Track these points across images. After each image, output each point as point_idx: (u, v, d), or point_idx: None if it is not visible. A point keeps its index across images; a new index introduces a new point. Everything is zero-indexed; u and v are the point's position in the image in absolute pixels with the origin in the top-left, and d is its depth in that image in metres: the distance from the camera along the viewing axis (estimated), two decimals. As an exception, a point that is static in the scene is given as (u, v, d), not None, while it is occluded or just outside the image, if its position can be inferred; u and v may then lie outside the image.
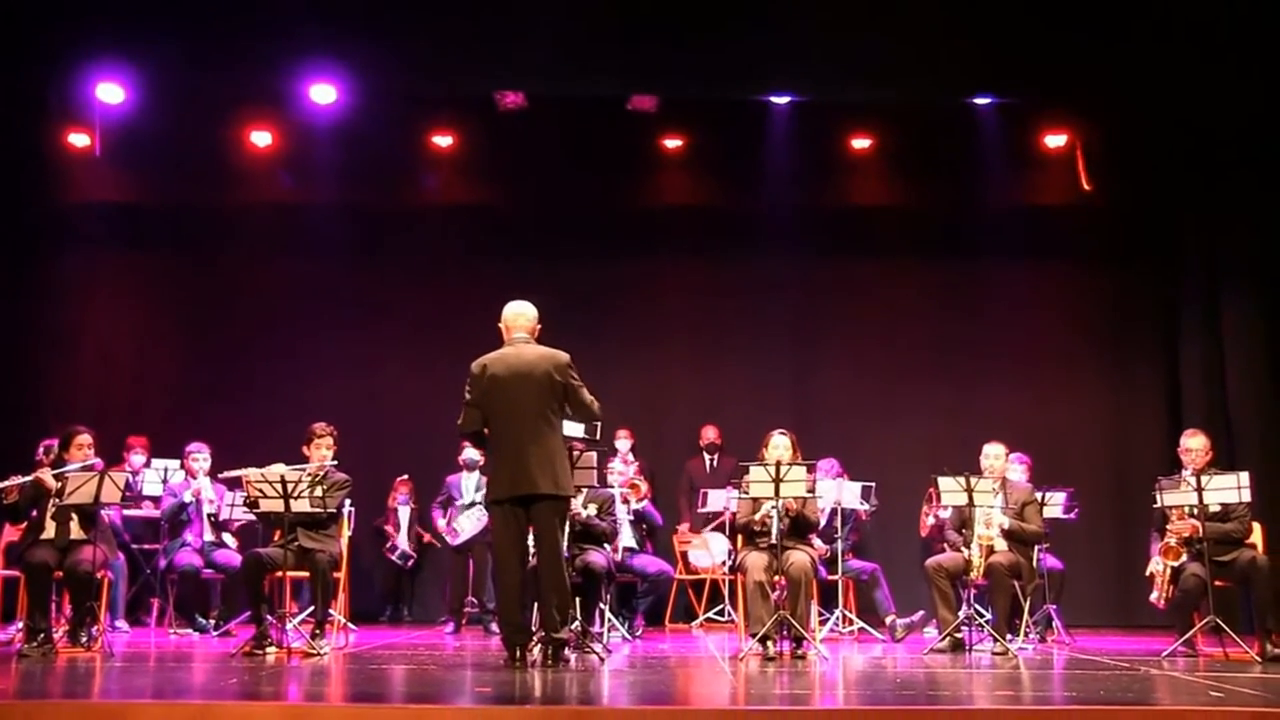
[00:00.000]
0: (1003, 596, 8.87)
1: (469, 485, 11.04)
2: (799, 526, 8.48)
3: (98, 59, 11.19)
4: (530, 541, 7.56)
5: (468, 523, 10.92)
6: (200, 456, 10.37)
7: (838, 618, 10.41)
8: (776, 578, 8.21)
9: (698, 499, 11.59)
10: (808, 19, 10.82)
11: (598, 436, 8.16)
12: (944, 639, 8.83)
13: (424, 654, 8.55)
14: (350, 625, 10.08)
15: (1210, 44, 10.86)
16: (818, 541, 9.37)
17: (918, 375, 12.68)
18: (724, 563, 11.08)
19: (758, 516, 8.40)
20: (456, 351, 7.97)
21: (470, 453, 10.81)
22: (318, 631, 8.36)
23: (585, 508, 9.27)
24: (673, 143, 12.81)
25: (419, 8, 10.91)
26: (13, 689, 6.43)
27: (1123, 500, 12.12)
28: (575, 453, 8.35)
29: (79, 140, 12.28)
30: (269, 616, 8.32)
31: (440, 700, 5.99)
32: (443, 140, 12.79)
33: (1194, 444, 9.04)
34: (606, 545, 9.51)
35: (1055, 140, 12.49)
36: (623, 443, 11.72)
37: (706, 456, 12.29)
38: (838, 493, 10.48)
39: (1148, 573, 9.27)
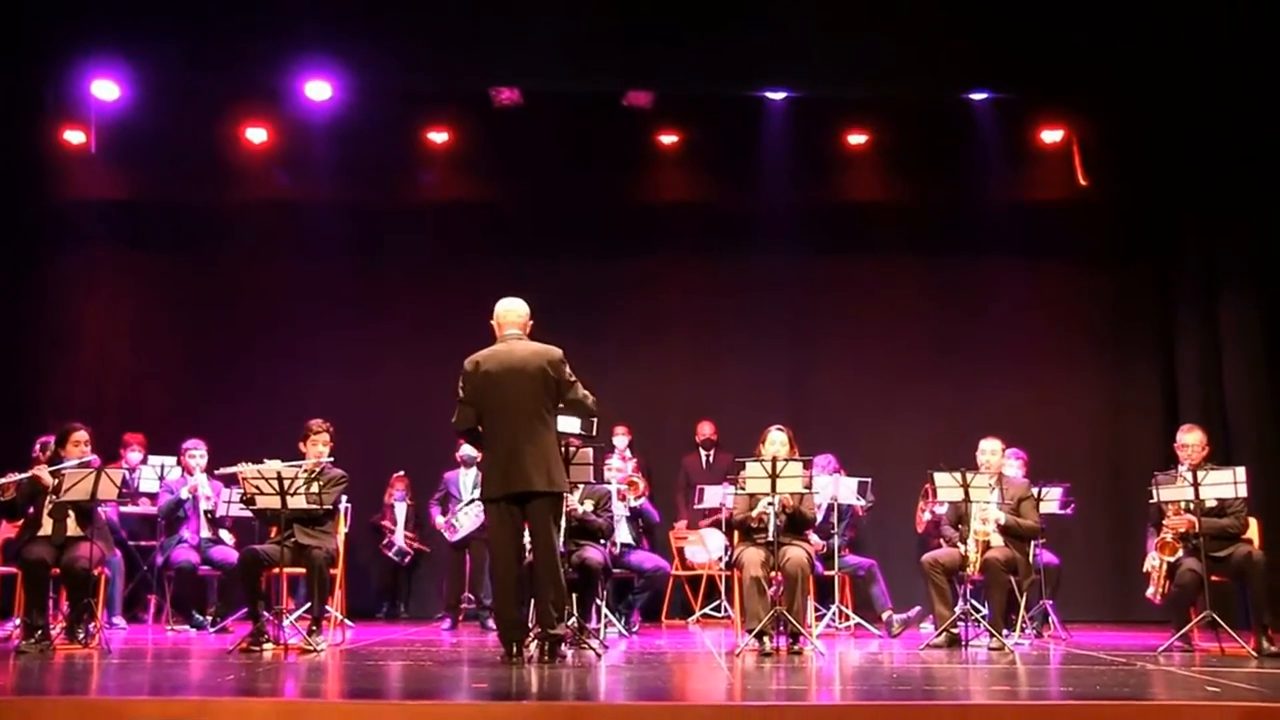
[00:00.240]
0: (999, 592, 8.88)
1: (467, 482, 11.04)
2: (795, 522, 8.49)
3: (93, 56, 11.20)
4: (526, 538, 7.57)
5: (466, 519, 10.92)
6: (197, 453, 10.37)
7: (834, 613, 10.41)
8: (773, 573, 8.22)
9: (694, 495, 11.59)
10: (804, 15, 10.85)
11: (594, 432, 8.16)
12: (940, 634, 8.84)
13: (421, 650, 8.56)
14: (347, 621, 10.08)
15: (1209, 42, 10.90)
16: (814, 537, 9.37)
17: (914, 371, 12.70)
18: (720, 559, 11.08)
19: (754, 512, 8.41)
20: (452, 347, 7.97)
21: (468, 449, 10.81)
22: (314, 628, 8.36)
23: (582, 504, 9.28)
24: (669, 139, 12.82)
25: (414, 4, 10.94)
26: (10, 686, 6.44)
27: (1119, 496, 12.12)
28: (571, 449, 8.35)
29: (74, 137, 12.26)
30: (266, 613, 8.33)
31: (437, 696, 5.99)
32: (438, 137, 12.78)
33: (1190, 439, 9.04)
34: (603, 541, 9.53)
35: (1052, 136, 12.49)
36: (620, 439, 11.72)
37: (703, 452, 12.30)
38: (834, 488, 10.48)
39: (1144, 568, 9.27)
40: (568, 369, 7.54)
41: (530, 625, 7.65)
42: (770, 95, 12.10)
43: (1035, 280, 12.90)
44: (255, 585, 8.38)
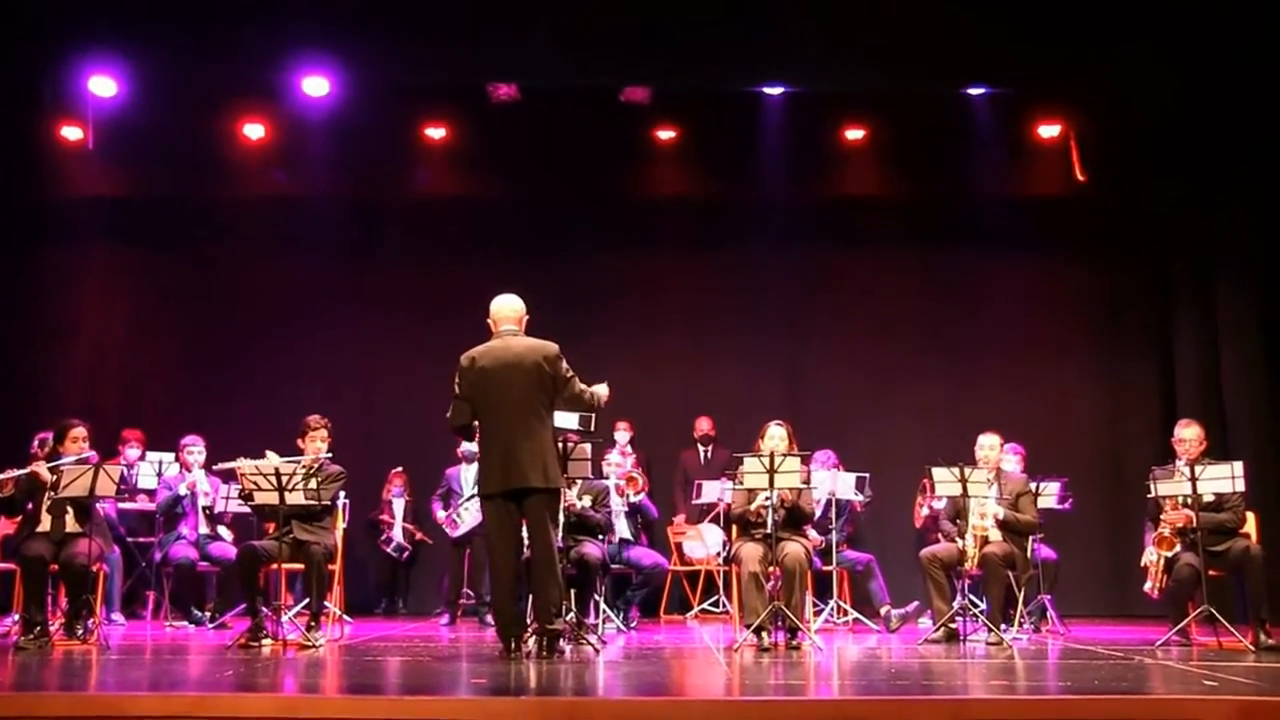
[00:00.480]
0: (997, 587, 8.89)
1: (468, 478, 11.03)
2: (794, 518, 8.50)
3: (90, 53, 11.18)
4: (524, 534, 7.57)
5: (468, 515, 10.93)
6: (195, 449, 10.37)
7: (832, 609, 10.43)
8: (771, 569, 8.22)
9: (692, 490, 11.60)
10: (801, 10, 10.85)
11: (592, 428, 8.17)
12: (939, 629, 8.84)
13: (419, 646, 8.56)
14: (345, 617, 10.08)
15: (1207, 38, 10.87)
16: (812, 533, 9.38)
17: (912, 366, 12.70)
18: (719, 554, 11.09)
19: (753, 507, 8.41)
20: (449, 343, 7.96)
21: (470, 445, 10.81)
22: (313, 624, 8.35)
23: (580, 499, 9.28)
24: (666, 134, 12.81)
25: (412, 0, 10.91)
26: (9, 681, 6.44)
27: (1117, 490, 12.13)
28: (570, 444, 8.36)
29: (72, 134, 12.26)
30: (264, 609, 8.32)
31: (436, 692, 5.99)
32: (436, 133, 12.78)
33: (1188, 434, 9.04)
34: (601, 537, 9.53)
35: (1049, 131, 12.49)
36: (622, 434, 11.75)
37: (700, 448, 12.31)
38: (832, 484, 10.49)
39: (1142, 563, 9.27)
40: (564, 364, 7.53)
41: (528, 621, 7.66)
42: (768, 91, 12.10)
43: (1033, 275, 12.91)
44: (254, 581, 8.37)
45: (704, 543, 11.48)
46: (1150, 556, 9.11)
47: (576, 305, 12.19)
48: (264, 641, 8.12)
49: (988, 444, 9.40)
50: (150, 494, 10.69)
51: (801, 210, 12.90)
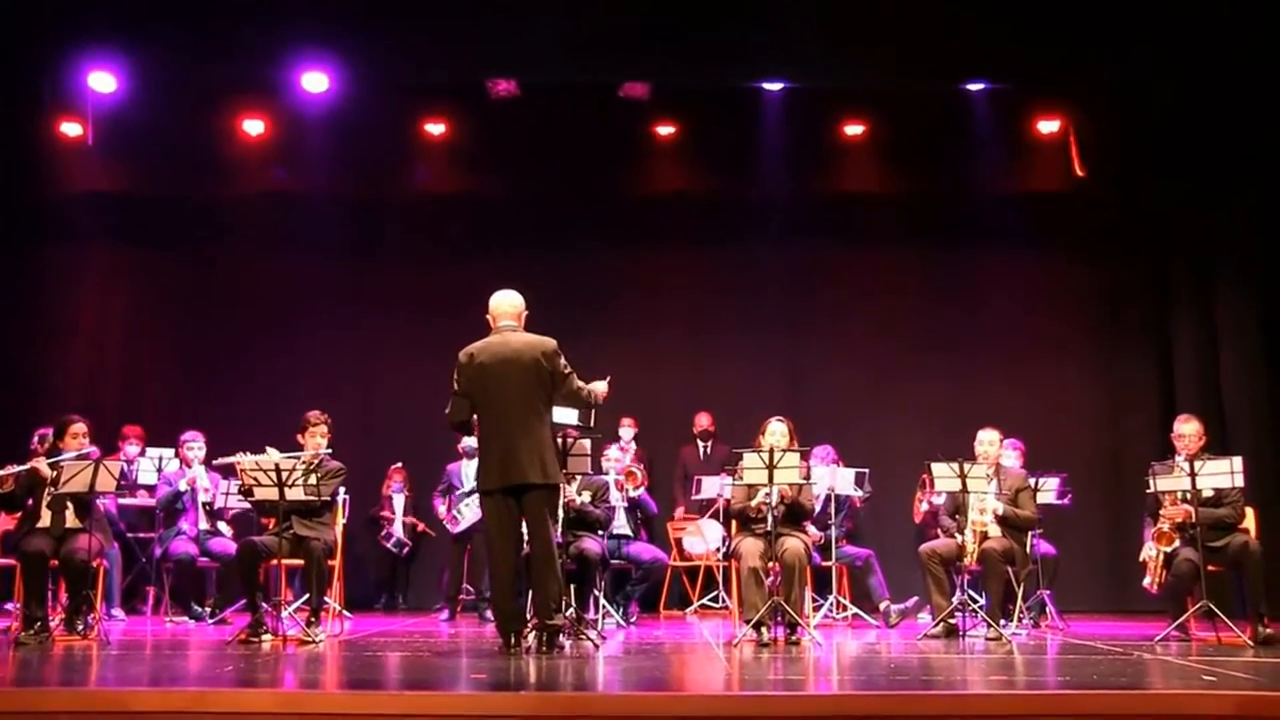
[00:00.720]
0: (996, 582, 8.89)
1: (469, 473, 11.02)
2: (793, 513, 8.49)
3: (90, 49, 11.19)
4: (524, 529, 7.57)
5: (469, 511, 10.94)
6: (195, 445, 10.37)
7: (832, 604, 10.44)
8: (771, 564, 8.23)
9: (692, 486, 11.61)
10: (800, 6, 10.86)
11: (592, 423, 8.17)
12: (938, 625, 8.85)
13: (419, 641, 8.57)
14: (345, 613, 10.09)
15: (1207, 34, 10.88)
16: (812, 528, 9.39)
17: (911, 362, 12.71)
18: (718, 549, 11.10)
19: (754, 503, 8.41)
20: (449, 339, 7.96)
21: (470, 440, 10.82)
22: (313, 619, 8.35)
23: (580, 495, 9.29)
24: (665, 130, 12.82)
25: (411, -5, 10.94)
26: (9, 677, 6.45)
27: (1116, 486, 12.15)
28: (569, 440, 8.37)
29: (71, 130, 12.26)
30: (264, 604, 8.33)
31: (436, 687, 6.00)
32: (435, 129, 12.78)
33: (1187, 429, 9.04)
34: (600, 532, 9.53)
35: (1049, 127, 12.49)
36: (626, 431, 11.78)
37: (700, 443, 12.31)
38: (832, 479, 10.49)
39: (1141, 558, 9.28)
40: (562, 360, 7.54)
41: (528, 616, 7.67)
42: (767, 86, 12.11)
43: (1032, 271, 12.91)
44: (254, 577, 8.38)
45: (704, 538, 11.48)
46: (1149, 552, 9.12)
47: (576, 301, 12.19)
48: (264, 637, 8.12)
49: (987, 439, 9.40)
50: (150, 490, 10.69)
51: (801, 206, 12.90)
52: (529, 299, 7.79)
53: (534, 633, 7.46)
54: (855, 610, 10.56)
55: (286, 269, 12.85)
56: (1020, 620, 9.38)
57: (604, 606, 9.68)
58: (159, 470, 10.64)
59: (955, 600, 8.83)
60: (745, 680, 6.44)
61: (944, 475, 8.71)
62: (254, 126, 12.58)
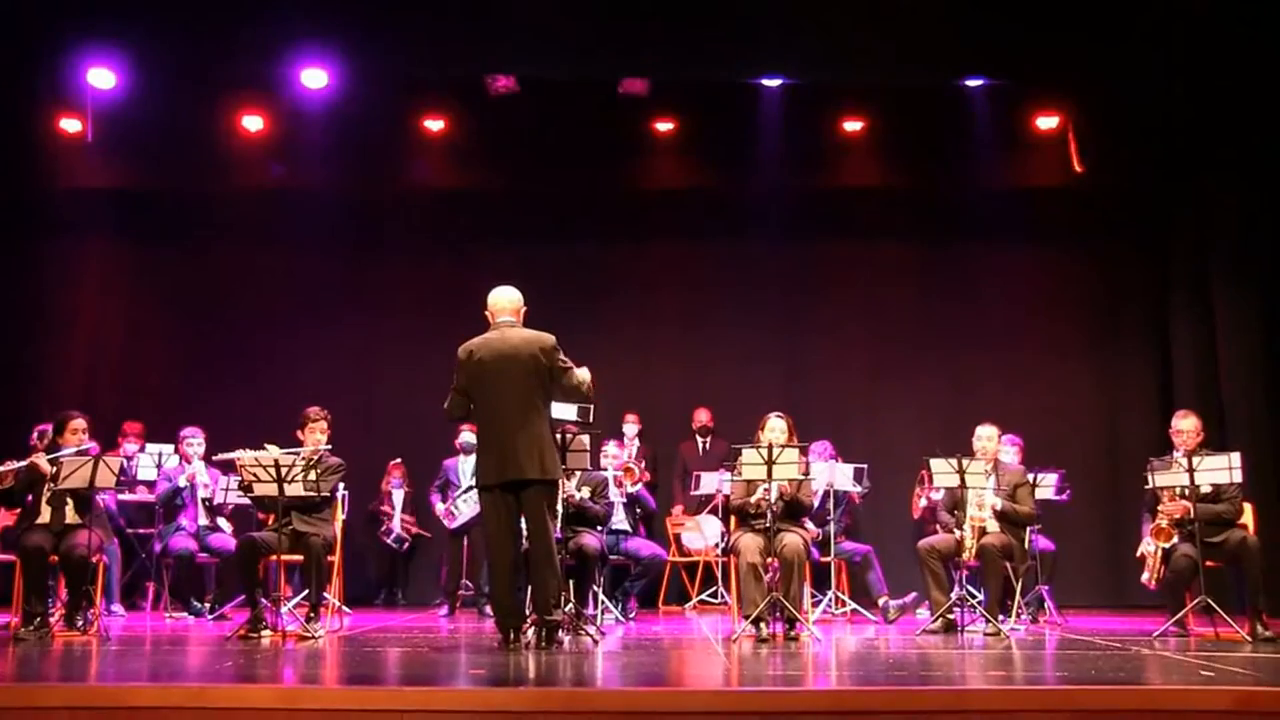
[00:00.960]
0: (995, 578, 8.90)
1: (466, 469, 11.04)
2: (792, 509, 8.49)
3: (89, 44, 11.18)
4: (522, 525, 7.58)
5: (465, 506, 10.95)
6: (195, 441, 10.37)
7: (830, 600, 10.44)
8: (770, 560, 8.23)
9: (690, 482, 11.61)
10: (799, 2, 10.83)
11: (591, 419, 8.17)
12: (936, 620, 8.86)
13: (418, 637, 8.58)
14: (345, 608, 10.09)
15: (1206, 29, 10.88)
16: (810, 524, 9.39)
17: (910, 357, 12.72)
18: (717, 545, 11.11)
19: (754, 499, 8.41)
20: (448, 335, 7.98)
21: (467, 436, 10.84)
22: (312, 615, 8.37)
23: (579, 490, 9.30)
24: (664, 126, 12.80)
25: (410, -8, 10.94)
26: (9, 673, 6.45)
27: (1114, 482, 12.16)
28: (568, 435, 8.37)
29: (71, 126, 12.25)
30: (264, 600, 8.34)
31: (435, 682, 6.01)
32: (434, 125, 12.77)
33: (1185, 425, 9.05)
34: (599, 528, 9.54)
35: (1047, 122, 12.48)
36: (630, 427, 11.80)
37: (699, 439, 12.31)
38: (830, 475, 10.49)
39: (1139, 554, 9.29)
40: (561, 355, 7.54)
41: (527, 612, 7.67)
42: (766, 82, 12.08)
43: (1031, 266, 12.92)
44: (253, 572, 8.40)
45: (702, 534, 11.49)
46: (1147, 547, 9.13)
47: (575, 297, 12.21)
48: (263, 633, 8.13)
49: (985, 435, 9.40)
50: (150, 485, 10.70)
51: (800, 202, 12.90)
52: (528, 294, 7.79)
53: (533, 628, 7.46)
54: (854, 606, 10.56)
55: (286, 265, 12.86)
56: (1018, 616, 9.40)
57: (603, 602, 9.69)
58: (158, 466, 10.64)
59: (954, 596, 8.84)
60: (744, 676, 6.44)
61: (942, 471, 8.72)
62: (253, 122, 12.57)
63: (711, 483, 11.18)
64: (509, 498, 7.42)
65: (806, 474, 8.47)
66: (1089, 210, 12.70)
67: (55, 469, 8.43)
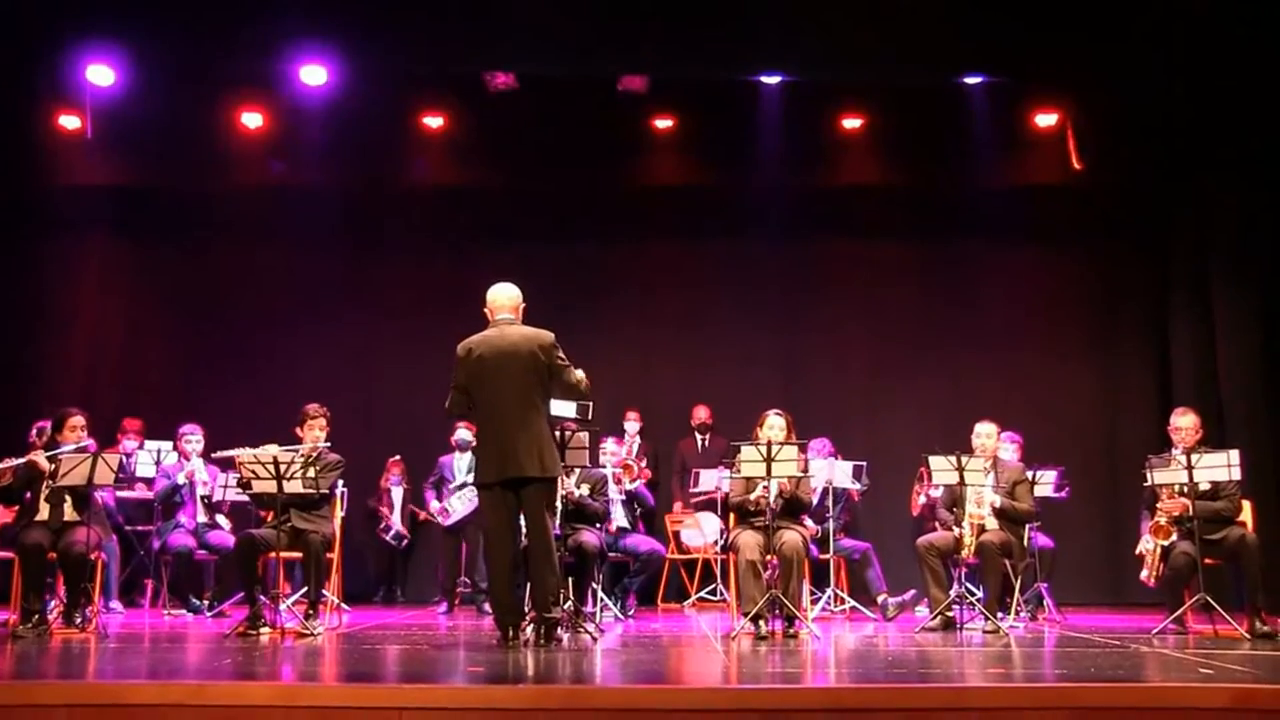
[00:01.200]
0: (994, 575, 8.89)
1: (461, 466, 11.06)
2: (791, 506, 8.49)
3: (88, 41, 11.18)
4: (521, 522, 7.58)
5: (460, 503, 10.95)
6: (193, 438, 10.35)
7: (829, 597, 10.44)
8: (769, 557, 8.23)
9: (690, 479, 11.61)
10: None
11: (589, 416, 8.17)
12: (935, 618, 8.86)
13: (417, 634, 8.58)
14: (344, 606, 10.08)
15: (1206, 27, 10.87)
16: (809, 521, 9.39)
17: (909, 355, 12.72)
18: (716, 542, 11.11)
19: (753, 496, 8.41)
20: (447, 332, 7.97)
21: (463, 433, 10.85)
22: (311, 612, 8.37)
23: (578, 488, 9.29)
24: (664, 123, 12.81)
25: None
26: (8, 670, 6.45)
27: (1113, 479, 12.17)
28: (567, 433, 8.37)
29: (70, 123, 12.25)
30: (263, 597, 8.34)
31: (434, 680, 6.00)
32: (433, 122, 12.77)
33: (1184, 422, 9.06)
34: (598, 525, 9.54)
35: (1046, 120, 12.48)
36: (631, 424, 11.79)
37: (698, 436, 12.31)
38: (829, 472, 10.49)
39: (1138, 551, 9.30)
40: (559, 353, 7.53)
41: (526, 609, 7.67)
42: (765, 80, 12.09)
43: (1030, 264, 12.92)
44: (252, 569, 8.40)
45: (701, 531, 11.49)
46: (1146, 545, 9.14)
47: (574, 294, 12.21)
48: (262, 630, 8.13)
49: (985, 432, 9.40)
50: (149, 482, 10.70)
51: (799, 199, 12.90)
52: (527, 292, 7.78)
53: (532, 626, 7.46)
54: (853, 603, 10.56)
55: (285, 262, 12.85)
56: (1017, 613, 9.40)
57: (602, 599, 9.69)
58: (157, 463, 10.64)
59: (953, 593, 8.84)
60: (743, 673, 6.44)
61: (941, 468, 8.72)
62: (252, 120, 12.57)
63: (710, 480, 11.18)
64: (509, 495, 7.41)
65: (805, 471, 8.48)
66: (1088, 209, 12.70)
67: (54, 466, 8.43)
